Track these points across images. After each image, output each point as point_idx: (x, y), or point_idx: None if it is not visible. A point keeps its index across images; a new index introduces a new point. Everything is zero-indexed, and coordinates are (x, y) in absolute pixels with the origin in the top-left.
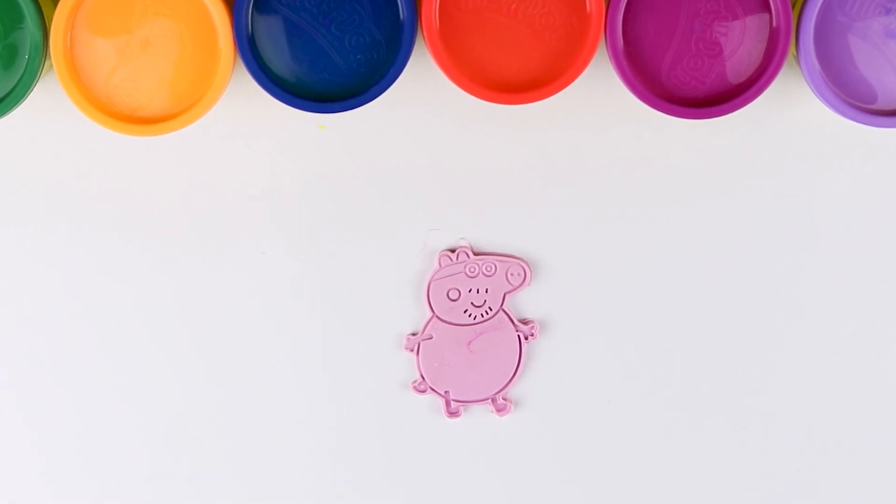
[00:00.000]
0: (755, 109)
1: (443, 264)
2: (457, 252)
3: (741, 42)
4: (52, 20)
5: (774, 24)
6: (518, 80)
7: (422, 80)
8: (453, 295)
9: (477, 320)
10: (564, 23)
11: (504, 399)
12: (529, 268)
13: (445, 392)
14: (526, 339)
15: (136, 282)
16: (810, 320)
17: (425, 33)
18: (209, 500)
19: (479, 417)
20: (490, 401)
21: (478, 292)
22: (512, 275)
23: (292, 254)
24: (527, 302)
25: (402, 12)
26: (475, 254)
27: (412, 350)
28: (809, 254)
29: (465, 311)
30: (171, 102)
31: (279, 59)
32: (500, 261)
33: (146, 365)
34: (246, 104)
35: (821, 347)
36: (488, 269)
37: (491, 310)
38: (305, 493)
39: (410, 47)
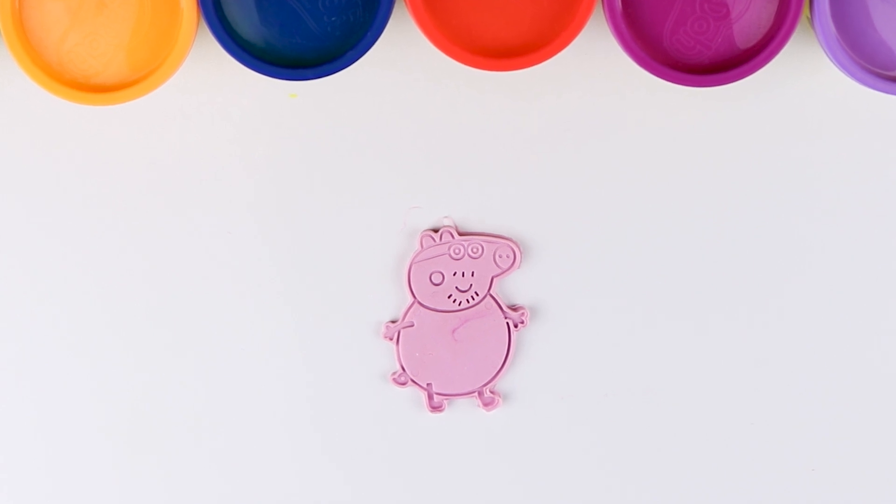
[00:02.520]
0: (765, 77)
1: (425, 245)
2: (440, 232)
3: (750, 3)
4: None
5: None
6: (507, 45)
7: (402, 44)
8: (436, 279)
9: (462, 306)
10: None
11: (492, 392)
12: (519, 249)
13: (428, 385)
14: (515, 326)
15: (92, 267)
16: (823, 303)
17: None
18: (174, 496)
19: (465, 412)
20: (476, 394)
21: (463, 276)
22: (500, 256)
23: (261, 234)
24: (516, 286)
25: None
26: (460, 234)
27: (391, 339)
28: (822, 233)
29: (449, 297)
30: (128, 69)
31: (247, 21)
32: (488, 241)
33: (102, 356)
34: (210, 71)
35: (833, 333)
36: (474, 250)
37: (477, 295)
38: (277, 494)
39: (390, 8)
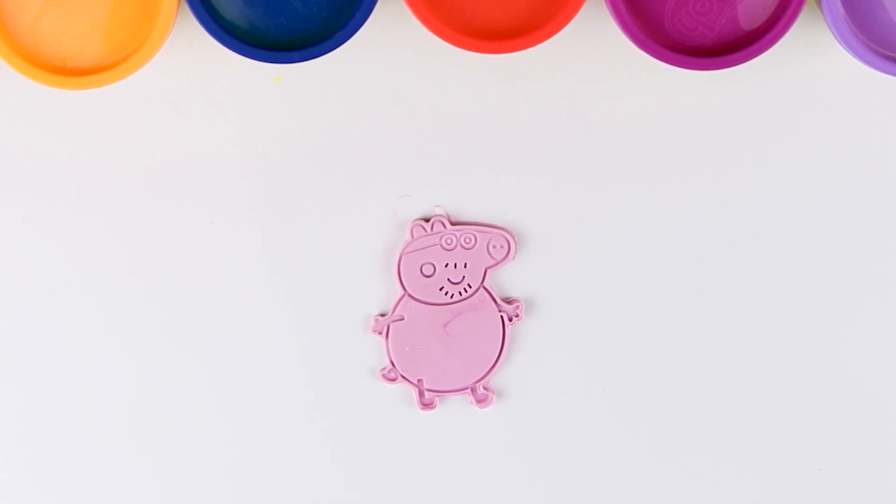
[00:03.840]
0: (770, 59)
1: (416, 235)
2: (431, 221)
3: None
4: None
5: None
6: (501, 26)
7: (391, 26)
8: (427, 270)
9: (454, 299)
10: None
11: (485, 388)
12: (514, 239)
13: (419, 381)
14: (510, 320)
15: (70, 259)
16: (829, 298)
17: None
18: (162, 490)
19: (457, 409)
20: (469, 391)
21: (455, 267)
22: (494, 247)
23: (245, 224)
24: (511, 278)
25: None
26: (452, 223)
27: (381, 333)
28: (827, 223)
29: (440, 289)
30: (106, 51)
31: (230, 1)
32: (481, 231)
33: (82, 351)
34: (192, 53)
35: (840, 327)
36: (467, 240)
37: (470, 287)
38: (265, 492)
39: None
